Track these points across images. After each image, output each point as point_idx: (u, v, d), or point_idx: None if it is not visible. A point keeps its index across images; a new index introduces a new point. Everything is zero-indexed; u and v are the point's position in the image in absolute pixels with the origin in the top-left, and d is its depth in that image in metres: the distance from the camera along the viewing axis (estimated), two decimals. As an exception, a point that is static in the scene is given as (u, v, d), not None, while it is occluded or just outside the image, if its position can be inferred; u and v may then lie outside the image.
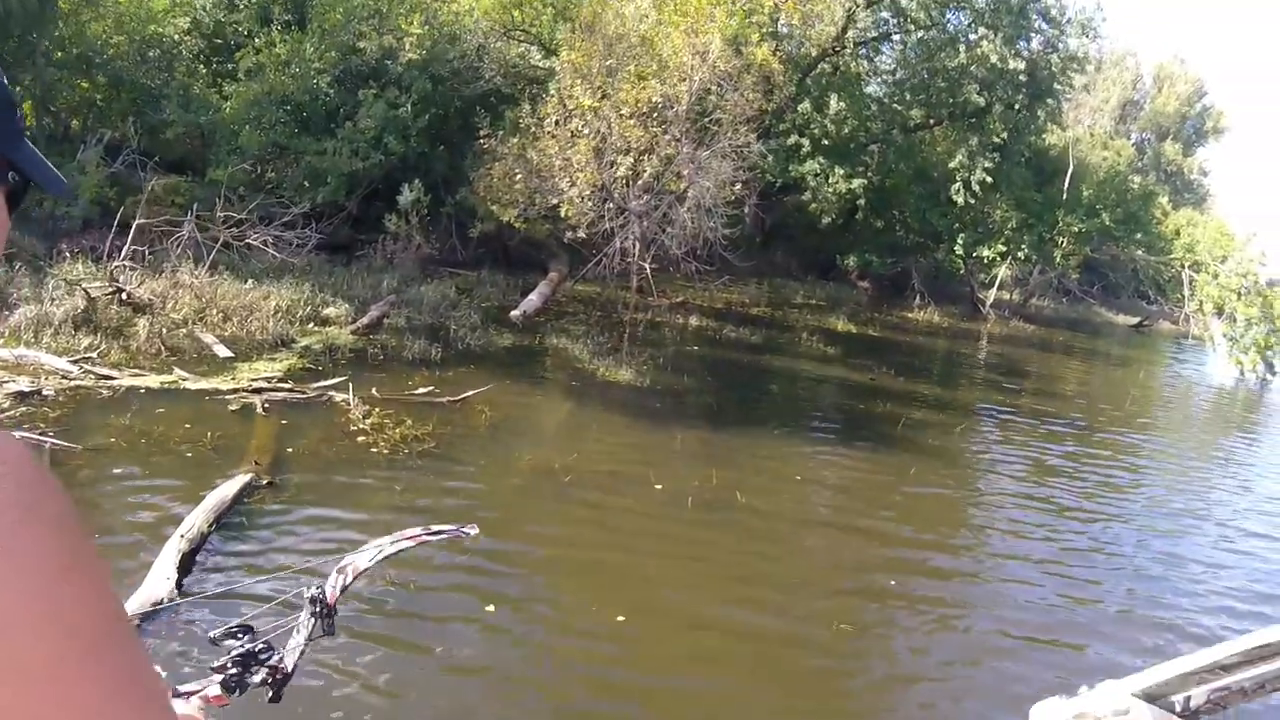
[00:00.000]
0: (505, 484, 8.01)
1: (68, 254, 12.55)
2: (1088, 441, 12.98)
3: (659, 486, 8.31)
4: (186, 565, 5.37)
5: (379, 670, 4.82)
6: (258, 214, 14.51)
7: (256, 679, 1.62)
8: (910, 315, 25.58)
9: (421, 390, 10.09)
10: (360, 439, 8.28)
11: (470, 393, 10.04)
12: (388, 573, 5.81)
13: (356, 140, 17.50)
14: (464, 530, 2.11)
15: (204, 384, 9.20)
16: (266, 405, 8.77)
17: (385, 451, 8.06)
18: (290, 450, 7.84)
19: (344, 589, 1.87)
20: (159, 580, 5.00)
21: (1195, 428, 17.06)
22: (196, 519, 5.78)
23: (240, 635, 1.64)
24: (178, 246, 13.14)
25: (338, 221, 17.93)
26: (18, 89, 17.08)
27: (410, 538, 2.02)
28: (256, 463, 7.19)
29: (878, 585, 7.07)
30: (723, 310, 20.55)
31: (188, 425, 7.96)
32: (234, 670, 1.59)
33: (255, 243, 14.14)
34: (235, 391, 9.04)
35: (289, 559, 5.79)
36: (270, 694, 1.65)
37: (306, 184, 17.38)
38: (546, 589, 6.29)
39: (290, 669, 1.68)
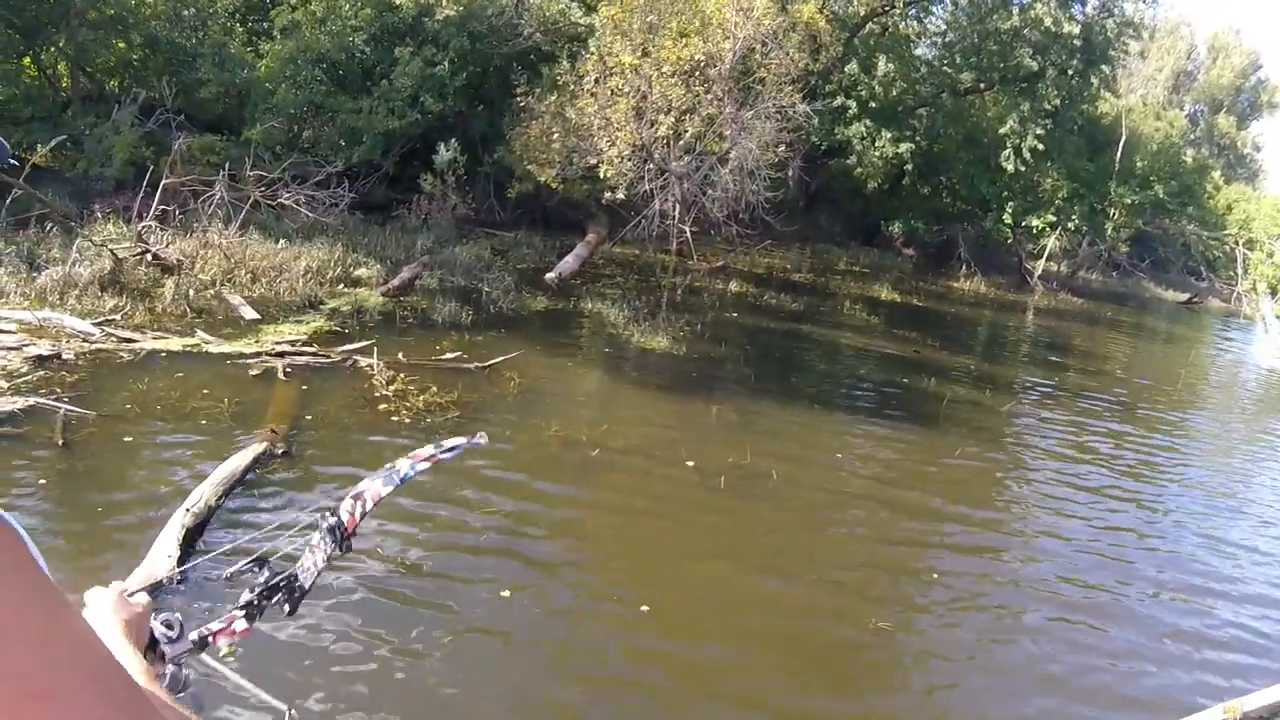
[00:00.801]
0: (530, 456, 7.68)
1: (99, 215, 12.41)
2: (1134, 420, 12.65)
3: (691, 462, 8.00)
4: (191, 541, 5.14)
5: (398, 641, 4.70)
6: (291, 173, 14.27)
7: (274, 600, 1.64)
8: (955, 285, 24.95)
9: (449, 355, 9.82)
10: (382, 406, 8.02)
11: (499, 359, 9.78)
12: (405, 555, 5.59)
13: (393, 99, 17.20)
14: (475, 441, 2.03)
15: (226, 347, 8.97)
16: (288, 370, 8.54)
17: (407, 420, 7.80)
18: (309, 418, 7.59)
19: (364, 515, 1.82)
20: (160, 558, 4.78)
21: (1243, 410, 16.49)
22: (205, 492, 5.56)
23: (257, 570, 1.65)
24: (209, 206, 12.94)
25: (373, 181, 17.71)
26: (52, 50, 16.97)
27: (428, 458, 1.92)
28: (273, 430, 6.95)
29: (914, 565, 6.91)
30: (764, 276, 20.09)
31: (206, 391, 7.74)
32: (258, 602, 1.62)
33: (288, 202, 13.91)
34: (258, 355, 8.81)
35: (292, 535, 5.56)
36: (288, 609, 1.66)
37: (342, 143, 17.13)
38: (568, 568, 6.02)
39: (308, 587, 1.70)
